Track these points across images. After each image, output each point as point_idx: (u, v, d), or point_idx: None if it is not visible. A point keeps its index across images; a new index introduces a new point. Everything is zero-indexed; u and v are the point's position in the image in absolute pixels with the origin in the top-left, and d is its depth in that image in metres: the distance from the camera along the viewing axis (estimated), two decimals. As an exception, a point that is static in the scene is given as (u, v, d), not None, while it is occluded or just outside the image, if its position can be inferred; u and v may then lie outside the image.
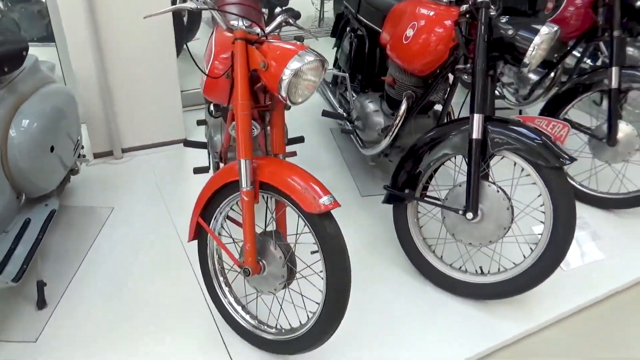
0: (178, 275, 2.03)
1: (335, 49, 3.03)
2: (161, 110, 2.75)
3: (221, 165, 2.06)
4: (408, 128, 2.22)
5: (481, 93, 1.79)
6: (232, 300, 1.77)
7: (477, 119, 1.79)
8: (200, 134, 2.82)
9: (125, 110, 2.66)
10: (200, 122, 2.37)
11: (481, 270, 1.93)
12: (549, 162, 1.71)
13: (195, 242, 1.77)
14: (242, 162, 1.48)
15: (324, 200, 1.41)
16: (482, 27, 1.77)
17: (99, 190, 2.50)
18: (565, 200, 1.73)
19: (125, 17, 2.46)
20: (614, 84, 2.27)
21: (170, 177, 2.63)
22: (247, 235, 1.52)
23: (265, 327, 1.70)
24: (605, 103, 2.42)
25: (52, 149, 1.93)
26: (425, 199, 1.99)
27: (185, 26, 3.77)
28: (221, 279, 1.79)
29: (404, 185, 2.01)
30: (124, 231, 2.24)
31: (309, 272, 1.63)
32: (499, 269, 1.89)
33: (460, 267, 1.96)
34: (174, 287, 1.97)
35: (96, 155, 2.73)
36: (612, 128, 2.32)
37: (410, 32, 1.99)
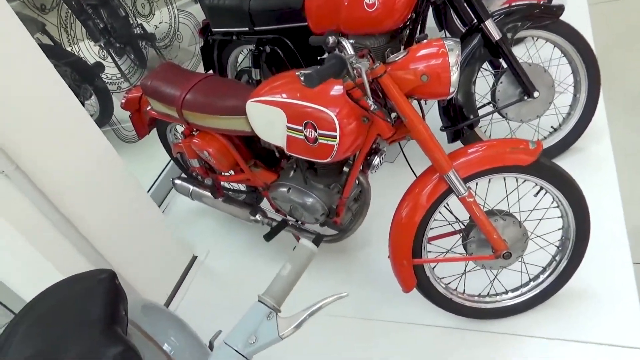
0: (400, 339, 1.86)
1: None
2: (153, 240, 2.25)
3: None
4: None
5: (478, 2, 1.99)
6: (482, 299, 1.76)
7: (490, 23, 1.98)
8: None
9: (123, 268, 2.11)
10: (269, 235, 2.06)
11: (553, 128, 2.26)
12: (552, 17, 2.03)
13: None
14: (451, 173, 1.46)
15: (531, 145, 1.48)
16: None
17: None
18: (579, 37, 2.09)
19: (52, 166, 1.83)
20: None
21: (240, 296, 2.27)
22: (487, 227, 1.53)
23: (522, 289, 1.74)
24: None
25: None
26: (483, 113, 2.17)
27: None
28: (459, 294, 1.74)
29: (459, 117, 2.15)
30: None
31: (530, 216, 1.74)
32: (564, 119, 2.23)
33: (538, 138, 2.25)
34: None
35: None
36: None
37: None
